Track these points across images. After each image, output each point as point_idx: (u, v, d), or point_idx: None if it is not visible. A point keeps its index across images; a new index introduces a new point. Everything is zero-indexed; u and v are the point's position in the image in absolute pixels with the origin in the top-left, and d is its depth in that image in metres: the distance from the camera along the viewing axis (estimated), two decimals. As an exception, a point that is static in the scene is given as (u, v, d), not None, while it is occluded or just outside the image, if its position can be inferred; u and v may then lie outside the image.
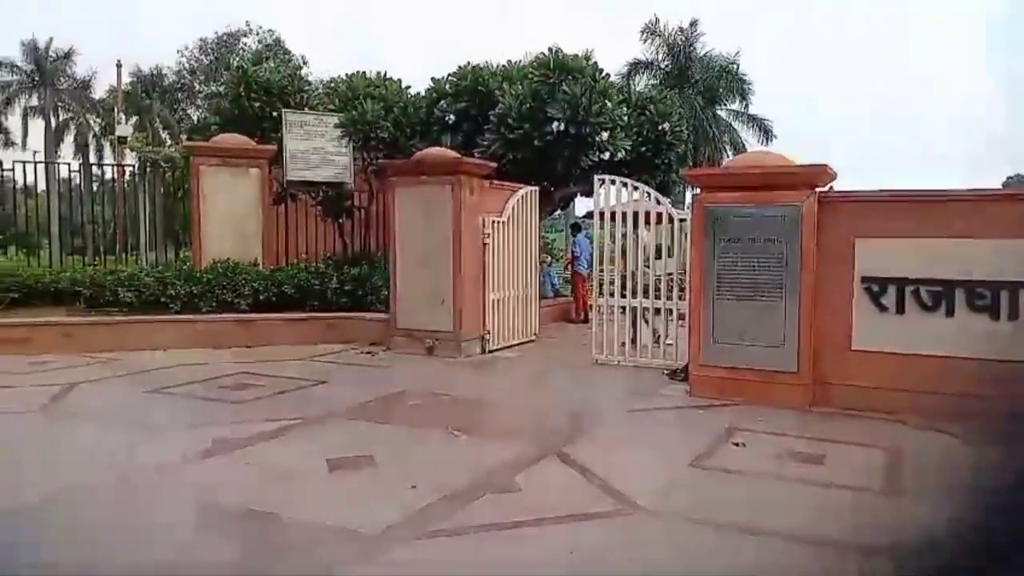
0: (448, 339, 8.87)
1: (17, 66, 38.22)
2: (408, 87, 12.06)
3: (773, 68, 58.61)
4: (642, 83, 26.04)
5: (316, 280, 10.10)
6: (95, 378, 7.43)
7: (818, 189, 6.53)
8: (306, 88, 13.33)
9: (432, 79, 12.04)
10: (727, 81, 26.75)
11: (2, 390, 6.81)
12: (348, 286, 10.09)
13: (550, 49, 10.84)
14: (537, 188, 10.34)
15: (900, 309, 6.13)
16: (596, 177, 8.66)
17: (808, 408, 6.26)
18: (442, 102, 11.46)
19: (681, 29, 27.29)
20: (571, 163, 10.70)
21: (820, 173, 6.51)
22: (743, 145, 26.42)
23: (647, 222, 8.26)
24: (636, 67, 27.55)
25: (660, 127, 11.66)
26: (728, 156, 24.80)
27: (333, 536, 3.64)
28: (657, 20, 27.41)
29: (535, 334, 10.26)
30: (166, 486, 4.45)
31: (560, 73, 10.44)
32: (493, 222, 9.24)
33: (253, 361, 8.30)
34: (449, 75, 11.86)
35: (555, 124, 10.20)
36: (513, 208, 9.65)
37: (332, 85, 12.98)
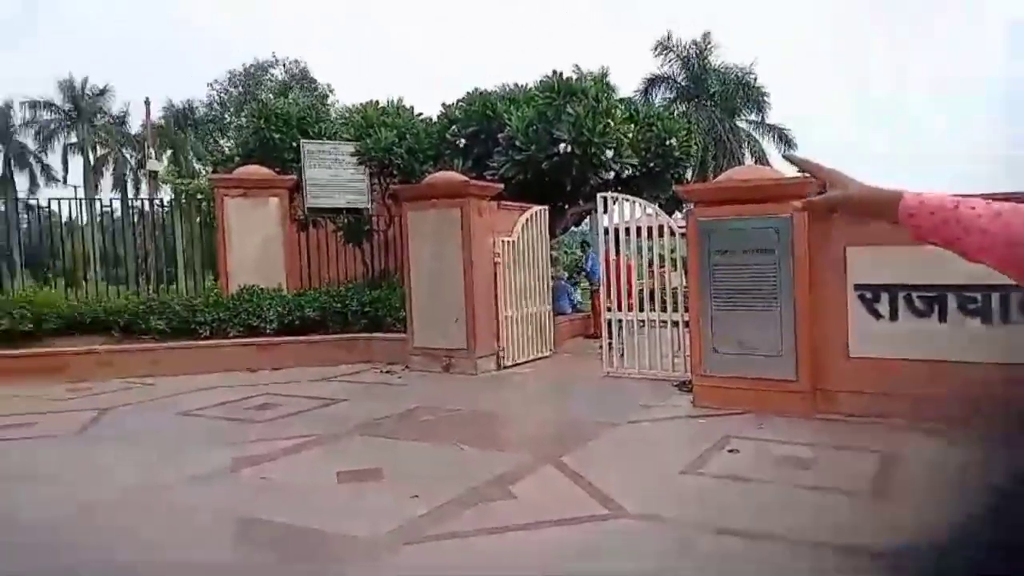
0: (463, 356, 9.16)
1: (55, 105, 39.90)
2: (420, 113, 12.46)
3: (800, 78, 58.18)
4: (659, 97, 26.31)
5: (337, 303, 10.48)
6: (128, 403, 7.86)
7: (811, 200, 6.69)
8: (325, 118, 13.84)
9: (443, 105, 12.45)
10: (744, 92, 26.85)
11: (42, 416, 7.25)
12: (367, 308, 10.45)
13: (555, 71, 11.19)
14: (547, 207, 10.61)
15: (894, 315, 6.26)
16: (599, 195, 8.94)
17: (809, 415, 6.39)
18: (453, 127, 11.84)
19: (695, 42, 27.51)
20: (579, 182, 10.97)
21: (808, 184, 6.67)
22: (763, 155, 26.45)
23: (649, 236, 8.49)
24: (653, 82, 27.81)
25: (667, 142, 11.89)
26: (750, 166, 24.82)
27: (333, 542, 3.93)
28: (669, 36, 27.73)
29: (551, 349, 10.50)
30: (189, 499, 4.77)
31: (564, 95, 10.75)
32: (503, 242, 9.54)
33: (277, 383, 8.68)
34: (459, 100, 12.25)
35: (561, 145, 10.50)
36: (523, 227, 9.94)
37: (348, 115, 13.46)
